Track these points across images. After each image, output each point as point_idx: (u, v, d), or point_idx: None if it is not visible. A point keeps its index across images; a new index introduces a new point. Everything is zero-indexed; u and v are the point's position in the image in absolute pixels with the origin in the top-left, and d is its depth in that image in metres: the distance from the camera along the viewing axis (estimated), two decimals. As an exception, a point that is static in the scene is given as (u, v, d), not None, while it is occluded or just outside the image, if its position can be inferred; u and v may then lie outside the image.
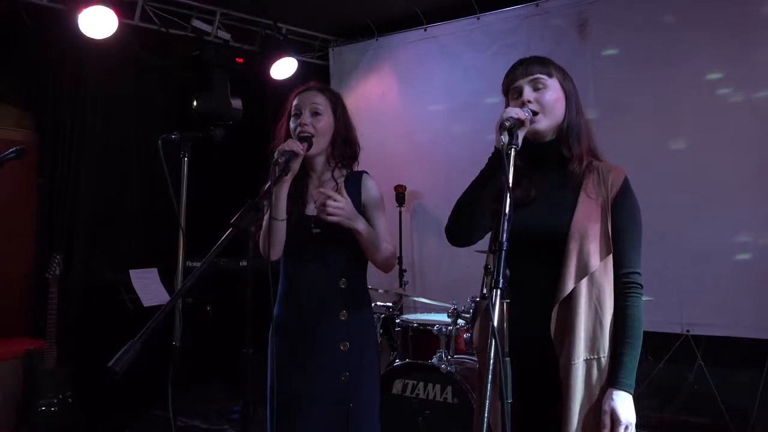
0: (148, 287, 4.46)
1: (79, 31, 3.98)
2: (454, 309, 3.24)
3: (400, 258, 4.82)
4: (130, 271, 4.43)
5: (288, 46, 4.97)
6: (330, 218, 2.00)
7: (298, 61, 4.98)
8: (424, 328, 3.45)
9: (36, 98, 4.55)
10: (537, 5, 4.47)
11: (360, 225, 2.05)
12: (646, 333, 4.52)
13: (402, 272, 4.78)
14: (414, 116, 5.10)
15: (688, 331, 3.96)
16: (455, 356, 3.26)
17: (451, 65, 4.89)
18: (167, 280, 4.53)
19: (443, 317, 3.46)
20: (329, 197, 2.00)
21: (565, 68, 1.81)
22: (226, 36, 4.88)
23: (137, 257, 4.77)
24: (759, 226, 3.75)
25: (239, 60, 4.95)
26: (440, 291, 4.28)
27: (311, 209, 2.13)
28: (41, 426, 3.77)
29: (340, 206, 2.00)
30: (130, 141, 5.00)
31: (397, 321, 3.71)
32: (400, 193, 4.86)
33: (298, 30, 5.35)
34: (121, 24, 4.09)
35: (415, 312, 4.29)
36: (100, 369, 4.39)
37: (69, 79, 4.58)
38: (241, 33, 5.06)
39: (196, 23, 4.71)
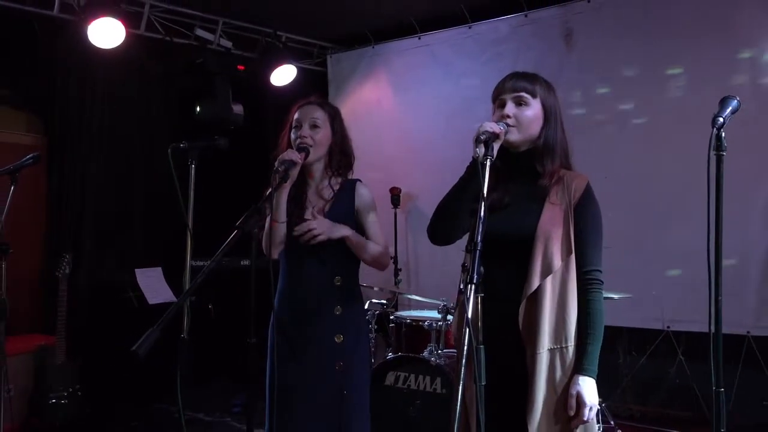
0: (153, 285, 4.57)
1: (88, 40, 4.12)
2: (444, 305, 3.42)
3: (395, 257, 4.98)
4: (135, 270, 4.56)
5: (287, 54, 5.13)
6: (318, 239, 2.20)
7: (297, 67, 5.13)
8: (417, 324, 3.64)
9: (45, 104, 4.68)
10: (525, 15, 4.62)
11: (345, 232, 2.25)
12: (630, 329, 4.68)
13: (397, 271, 4.93)
14: (408, 121, 5.25)
15: (668, 327, 4.12)
16: (444, 350, 3.43)
17: (444, 72, 5.03)
18: (170, 279, 4.69)
19: (434, 314, 3.63)
20: (308, 226, 2.21)
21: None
22: (228, 44, 5.04)
23: (142, 257, 4.89)
24: (734, 229, 3.91)
25: (240, 67, 5.09)
26: (433, 289, 4.39)
27: (309, 213, 2.31)
28: (51, 417, 3.91)
29: (318, 226, 2.20)
30: (135, 145, 5.11)
31: (391, 317, 3.90)
32: (395, 195, 5.00)
33: (298, 38, 5.51)
34: (127, 33, 4.23)
35: (410, 309, 4.44)
36: (107, 364, 4.54)
37: (77, 85, 4.71)
38: (243, 41, 5.21)
39: (200, 32, 4.88)
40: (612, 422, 3.47)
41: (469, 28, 4.92)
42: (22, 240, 4.52)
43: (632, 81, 4.23)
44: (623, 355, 4.47)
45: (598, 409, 3.34)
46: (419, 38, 5.20)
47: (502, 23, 4.76)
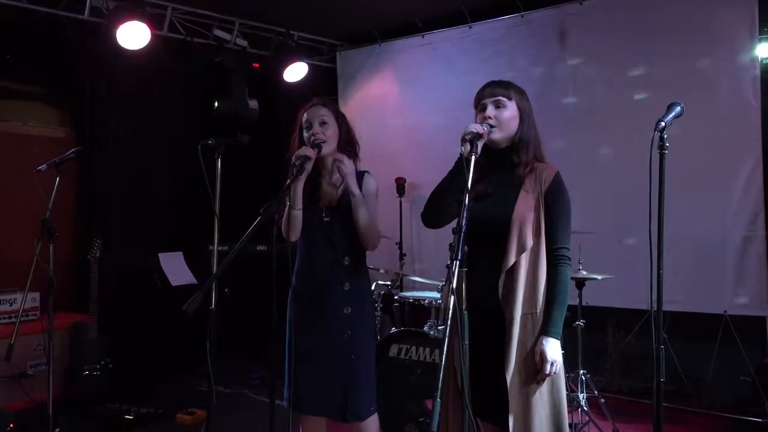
0: (175, 268, 4.87)
1: (115, 41, 4.39)
2: (442, 286, 3.74)
3: (400, 243, 5.30)
4: (159, 254, 4.88)
5: (299, 51, 5.39)
6: (343, 172, 2.48)
7: (308, 64, 5.40)
8: (418, 303, 3.98)
9: (76, 100, 4.98)
10: (522, 16, 4.86)
11: (357, 190, 2.52)
12: (617, 310, 4.98)
13: (402, 256, 5.25)
14: (413, 114, 5.51)
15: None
16: (442, 325, 3.76)
17: (446, 69, 5.28)
18: (191, 263, 4.98)
19: (435, 294, 3.98)
20: (344, 160, 2.51)
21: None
22: (244, 43, 5.32)
23: (166, 242, 5.18)
24: (713, 215, 4.19)
25: (256, 65, 5.37)
26: (436, 271, 4.68)
27: (323, 201, 2.62)
28: (86, 387, 4.26)
29: (348, 167, 2.50)
30: (157, 139, 5.38)
31: (395, 297, 4.24)
32: (400, 185, 5.30)
33: (309, 36, 5.79)
34: (151, 35, 4.51)
35: (414, 290, 4.74)
36: (135, 339, 4.87)
37: (105, 83, 5.00)
38: (258, 40, 5.49)
39: (217, 32, 5.17)
40: (596, 392, 3.79)
41: (469, 27, 5.16)
42: (57, 226, 4.84)
43: (622, 77, 4.47)
44: (611, 333, 4.79)
45: (582, 379, 3.68)
46: (423, 37, 5.45)
47: (499, 23, 4.99)
